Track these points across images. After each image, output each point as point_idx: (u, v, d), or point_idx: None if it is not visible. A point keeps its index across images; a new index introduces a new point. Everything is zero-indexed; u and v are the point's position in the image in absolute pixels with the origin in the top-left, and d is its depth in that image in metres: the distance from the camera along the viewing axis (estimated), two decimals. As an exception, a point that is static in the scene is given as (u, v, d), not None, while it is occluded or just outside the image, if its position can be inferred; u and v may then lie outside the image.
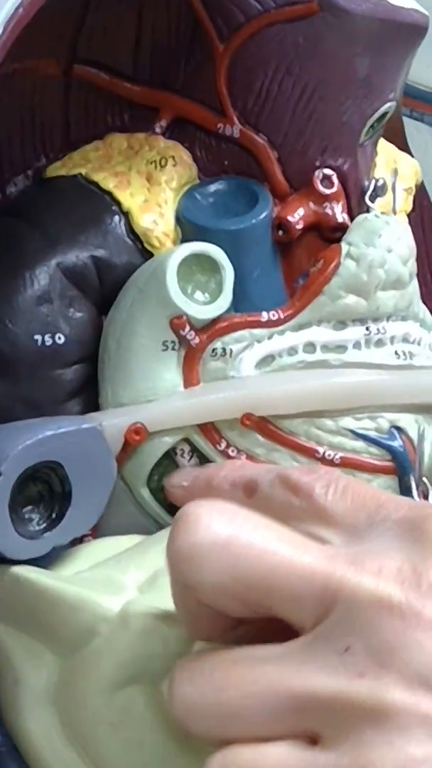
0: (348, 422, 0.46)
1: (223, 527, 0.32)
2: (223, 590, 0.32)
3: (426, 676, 0.30)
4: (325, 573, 0.31)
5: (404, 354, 0.47)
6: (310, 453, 0.46)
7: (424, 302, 0.50)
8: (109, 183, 0.47)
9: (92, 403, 0.46)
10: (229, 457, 0.45)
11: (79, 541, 0.44)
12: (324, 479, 0.35)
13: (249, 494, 0.37)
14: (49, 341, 0.45)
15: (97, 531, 0.45)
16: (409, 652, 0.30)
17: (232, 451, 0.45)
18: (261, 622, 0.34)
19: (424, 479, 0.48)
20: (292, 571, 0.32)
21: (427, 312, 0.50)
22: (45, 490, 0.43)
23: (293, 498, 0.35)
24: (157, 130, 0.48)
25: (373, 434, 0.46)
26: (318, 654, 0.31)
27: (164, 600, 0.37)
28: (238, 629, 0.34)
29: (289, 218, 0.47)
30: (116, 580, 0.39)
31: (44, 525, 0.42)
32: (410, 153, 0.55)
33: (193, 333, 0.44)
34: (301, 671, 0.31)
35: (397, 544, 0.32)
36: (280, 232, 0.47)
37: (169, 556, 0.33)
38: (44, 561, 0.41)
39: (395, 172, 0.51)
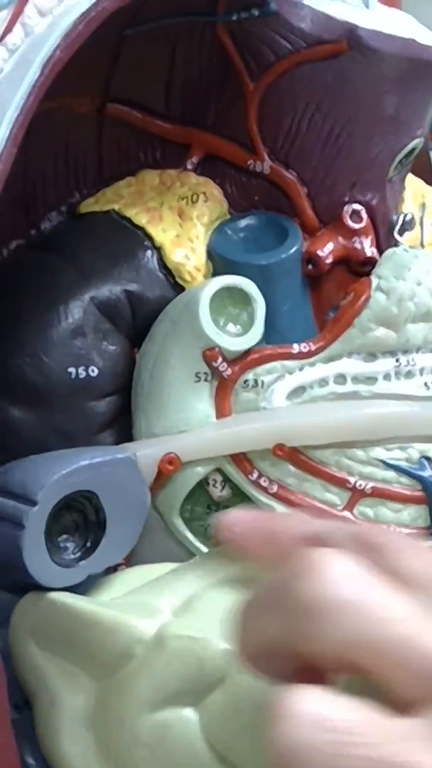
0: (379, 452, 0.47)
1: (354, 585, 0.31)
2: (335, 649, 0.31)
3: None
4: None
5: (434, 385, 0.48)
6: (341, 483, 0.47)
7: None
8: (141, 219, 0.48)
9: (125, 434, 0.47)
10: (260, 487, 0.46)
11: (113, 569, 0.45)
12: (398, 541, 0.33)
13: None
14: (82, 374, 0.46)
15: (131, 559, 0.45)
16: None
17: (264, 481, 0.46)
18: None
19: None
20: (418, 648, 0.30)
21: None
22: (80, 519, 0.43)
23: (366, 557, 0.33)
24: (189, 166, 0.50)
25: (403, 464, 0.47)
26: None
27: (199, 623, 0.38)
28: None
29: (319, 252, 0.48)
30: (151, 604, 0.40)
31: (79, 554, 0.43)
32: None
33: (225, 364, 0.45)
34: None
35: None
36: (310, 266, 0.48)
37: (289, 599, 0.31)
38: (80, 588, 0.42)
39: (423, 206, 0.52)
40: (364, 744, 0.29)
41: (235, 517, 0.38)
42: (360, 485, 0.47)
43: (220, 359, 0.45)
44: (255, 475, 0.46)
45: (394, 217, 0.50)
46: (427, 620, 0.31)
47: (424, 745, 0.29)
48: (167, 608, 0.40)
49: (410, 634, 0.31)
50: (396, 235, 0.49)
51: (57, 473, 0.42)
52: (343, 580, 0.31)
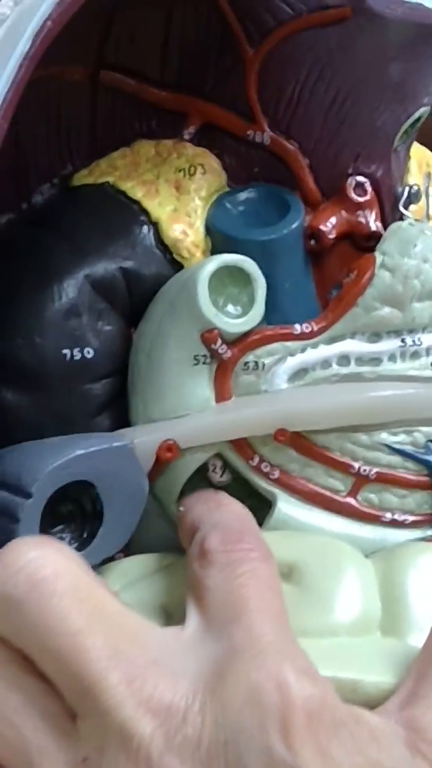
0: (383, 437, 0.46)
1: (35, 586, 0.35)
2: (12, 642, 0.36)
3: None
4: (96, 674, 0.34)
5: (441, 366, 0.47)
6: (344, 468, 0.46)
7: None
8: (137, 192, 0.47)
9: (122, 417, 0.46)
10: (261, 473, 0.46)
11: (110, 558, 0.44)
12: (227, 560, 0.38)
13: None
14: (78, 355, 0.45)
15: (129, 548, 0.45)
16: None
17: (265, 466, 0.46)
18: None
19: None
20: (74, 665, 0.34)
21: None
22: (76, 509, 0.43)
23: (196, 562, 0.39)
24: (186, 136, 0.49)
25: (409, 449, 0.47)
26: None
27: None
28: None
29: (322, 227, 0.47)
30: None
31: (75, 545, 0.43)
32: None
33: (225, 347, 0.45)
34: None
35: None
36: (313, 242, 0.47)
37: None
38: (77, 582, 0.42)
39: (429, 176, 0.51)
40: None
41: (185, 501, 0.44)
42: (364, 470, 0.46)
43: (219, 341, 0.45)
44: (256, 460, 0.46)
45: (399, 189, 0.49)
46: (106, 632, 0.34)
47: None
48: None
49: (70, 649, 0.34)
50: (401, 208, 0.48)
51: (52, 464, 0.41)
52: (24, 578, 0.35)
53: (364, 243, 0.48)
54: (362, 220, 0.48)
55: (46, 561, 0.36)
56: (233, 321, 0.45)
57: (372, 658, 0.38)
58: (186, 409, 0.45)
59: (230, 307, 0.45)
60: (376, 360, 0.46)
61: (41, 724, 0.34)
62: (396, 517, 0.47)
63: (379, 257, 0.46)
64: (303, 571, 0.41)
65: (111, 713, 0.33)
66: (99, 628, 0.34)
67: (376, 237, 0.47)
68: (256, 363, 0.45)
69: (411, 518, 0.47)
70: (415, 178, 0.50)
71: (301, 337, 0.46)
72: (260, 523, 0.45)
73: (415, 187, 0.49)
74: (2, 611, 0.35)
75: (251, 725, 0.33)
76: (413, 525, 0.47)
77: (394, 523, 0.47)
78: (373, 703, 0.36)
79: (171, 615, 0.41)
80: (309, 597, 0.40)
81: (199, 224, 0.47)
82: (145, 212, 0.47)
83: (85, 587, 0.36)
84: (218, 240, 0.47)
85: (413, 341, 0.47)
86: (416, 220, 0.48)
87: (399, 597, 0.40)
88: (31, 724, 0.34)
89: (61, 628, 0.34)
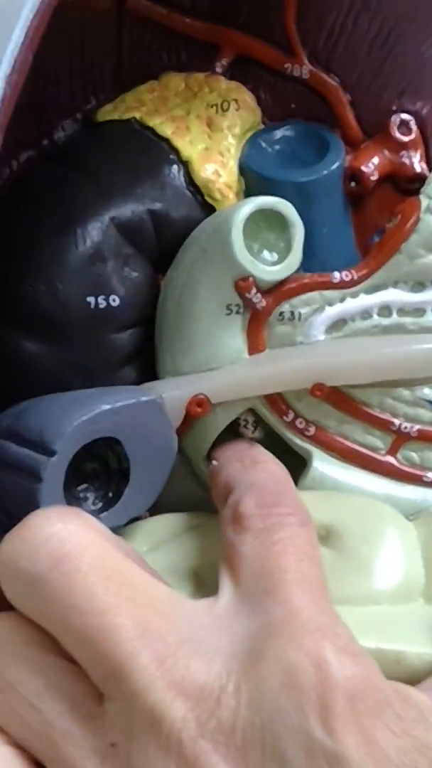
0: (426, 392, 0.44)
1: (59, 563, 0.34)
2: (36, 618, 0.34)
3: None
4: (125, 654, 0.32)
5: None
6: (384, 425, 0.44)
7: None
8: (166, 129, 0.45)
9: (149, 369, 0.44)
10: (296, 429, 0.44)
11: (137, 518, 0.43)
12: (263, 525, 0.36)
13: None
14: (102, 303, 0.43)
15: (156, 507, 0.43)
16: None
17: (300, 422, 0.44)
18: None
19: None
20: (99, 647, 0.33)
21: None
22: (101, 467, 0.41)
23: (230, 527, 0.37)
24: (218, 69, 0.46)
25: (453, 405, 0.45)
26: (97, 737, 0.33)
27: None
28: None
29: (363, 168, 0.45)
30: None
31: (100, 505, 0.41)
32: None
33: (259, 295, 0.42)
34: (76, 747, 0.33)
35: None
36: (353, 184, 0.45)
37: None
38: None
39: None
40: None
41: (218, 452, 0.43)
42: (405, 428, 0.44)
43: (254, 290, 0.42)
44: (291, 416, 0.44)
45: (447, 129, 0.47)
46: (135, 609, 0.33)
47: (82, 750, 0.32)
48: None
49: (97, 629, 0.32)
50: (448, 149, 0.46)
51: (77, 419, 0.39)
52: (46, 553, 0.34)
53: (408, 185, 0.45)
54: (406, 160, 0.45)
55: (70, 535, 0.34)
56: (269, 268, 0.42)
57: (415, 627, 0.37)
58: (217, 361, 0.43)
59: (266, 254, 0.43)
60: (419, 311, 0.44)
61: (66, 708, 0.33)
62: (438, 477, 0.45)
63: (424, 201, 0.44)
64: (342, 534, 0.39)
65: (140, 696, 0.31)
66: (127, 605, 0.33)
67: (421, 179, 0.45)
68: (292, 313, 0.43)
69: (454, 480, 0.45)
70: (462, 116, 0.48)
71: (340, 285, 0.44)
72: (295, 482, 0.43)
73: (463, 126, 0.46)
74: (24, 589, 0.34)
75: (289, 708, 0.31)
76: (456, 486, 0.45)
77: (437, 484, 0.45)
78: (418, 674, 0.35)
79: (203, 579, 0.39)
80: (348, 562, 0.39)
81: (233, 164, 0.45)
82: (175, 150, 0.44)
83: (112, 562, 0.34)
84: (252, 181, 0.44)
85: (459, 291, 0.44)
86: (464, 161, 0.46)
87: None
88: (56, 707, 0.33)
89: (86, 607, 0.32)
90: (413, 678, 0.35)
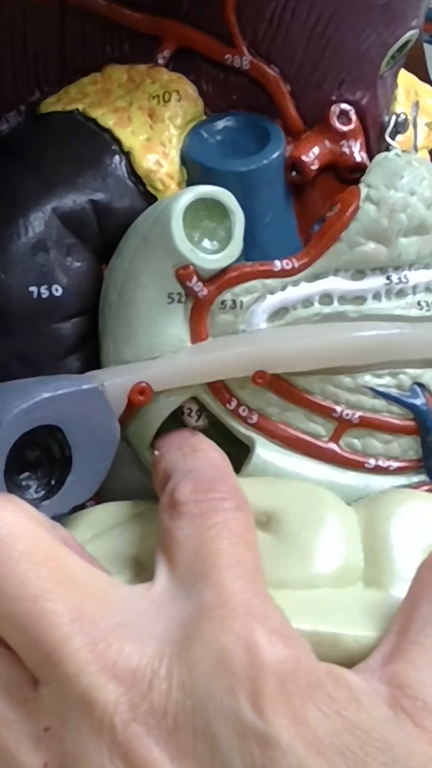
0: (367, 379, 0.45)
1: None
2: None
3: None
4: (58, 639, 0.32)
5: (428, 305, 0.45)
6: (326, 412, 0.45)
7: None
8: (108, 120, 0.45)
9: (93, 358, 0.45)
10: (239, 416, 0.44)
11: (80, 506, 0.43)
12: (198, 511, 0.37)
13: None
14: (45, 293, 0.43)
15: (100, 496, 0.44)
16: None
17: (243, 410, 0.44)
18: None
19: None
20: (32, 631, 0.33)
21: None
22: (43, 455, 0.41)
23: (166, 513, 0.37)
24: (160, 61, 0.47)
25: (394, 392, 0.45)
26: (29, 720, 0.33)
27: None
28: None
29: (304, 158, 0.45)
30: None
31: (43, 493, 0.41)
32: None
33: (200, 284, 0.43)
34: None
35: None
36: (294, 173, 0.45)
37: None
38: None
39: (416, 105, 0.49)
40: None
41: (160, 442, 0.43)
42: (347, 414, 0.45)
43: (194, 278, 0.43)
44: (233, 404, 0.44)
45: (386, 118, 0.47)
46: (68, 595, 0.33)
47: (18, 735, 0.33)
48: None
49: (30, 614, 0.33)
50: (388, 138, 0.47)
51: (17, 407, 0.40)
52: None
53: (348, 175, 0.46)
54: (346, 150, 0.46)
55: (2, 521, 0.34)
56: (209, 257, 0.43)
57: (353, 610, 0.37)
58: (159, 350, 0.43)
59: (206, 242, 0.43)
60: (360, 298, 0.45)
61: (0, 693, 0.33)
62: (380, 463, 0.45)
63: (363, 189, 0.44)
64: (281, 519, 0.40)
65: (73, 680, 0.32)
66: (60, 590, 0.33)
67: (360, 168, 0.45)
68: (234, 301, 0.44)
69: (395, 464, 0.45)
70: (402, 106, 0.48)
71: (282, 274, 0.44)
72: (238, 470, 0.44)
73: (402, 116, 0.47)
74: None
75: (219, 691, 0.31)
76: (398, 471, 0.46)
77: (378, 470, 0.45)
78: (354, 657, 0.35)
79: (143, 565, 0.40)
80: (288, 547, 0.39)
81: (174, 154, 0.45)
82: (117, 141, 0.45)
83: (45, 548, 0.34)
84: (194, 171, 0.45)
85: (399, 279, 0.45)
86: (403, 150, 0.46)
87: (382, 547, 0.39)
88: None
89: (19, 593, 0.33)
90: (350, 661, 0.35)
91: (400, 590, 0.38)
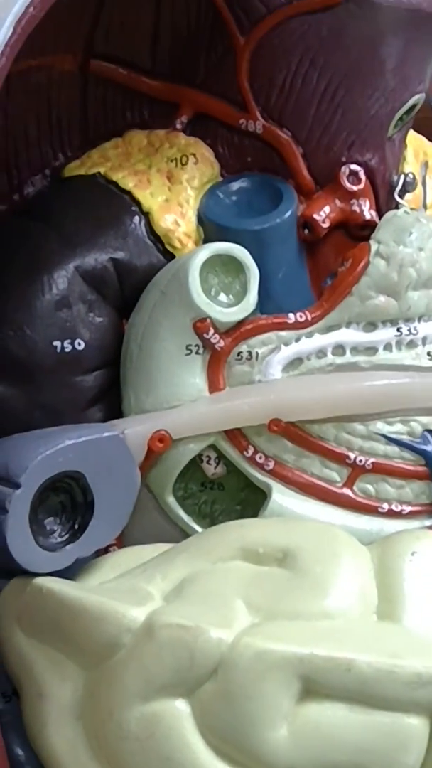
0: (380, 426, 0.47)
1: None
2: None
3: None
4: None
5: (437, 355, 0.48)
6: (340, 458, 0.47)
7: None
8: (128, 182, 0.48)
9: (114, 409, 0.47)
10: (256, 464, 0.46)
11: (104, 551, 0.45)
12: None
13: None
14: (68, 347, 0.46)
15: (122, 540, 0.46)
16: None
17: (260, 457, 0.46)
18: None
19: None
20: None
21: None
22: (67, 500, 0.44)
23: None
24: (178, 126, 0.50)
25: (405, 438, 0.47)
26: None
27: (190, 610, 0.38)
28: None
29: (315, 216, 0.48)
30: (141, 589, 0.40)
31: (66, 536, 0.43)
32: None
33: (217, 336, 0.45)
34: None
35: None
36: (306, 231, 0.48)
37: None
38: (68, 572, 0.43)
39: (425, 165, 0.52)
40: None
41: None
42: (360, 461, 0.47)
43: (211, 331, 0.45)
44: (251, 451, 0.46)
45: (395, 178, 0.50)
46: None
47: None
48: (158, 593, 0.40)
49: None
50: (396, 197, 0.49)
51: (41, 454, 0.42)
52: None
53: (358, 232, 0.48)
54: (356, 208, 0.48)
55: None
56: (225, 310, 0.45)
57: (367, 638, 0.39)
58: (178, 399, 0.46)
59: (222, 297, 0.46)
60: (371, 349, 0.47)
61: None
62: (393, 507, 0.47)
63: (374, 245, 0.47)
64: (297, 555, 0.41)
65: None
66: None
67: (370, 226, 0.48)
68: (250, 353, 0.46)
69: (408, 509, 0.47)
70: (411, 166, 0.51)
71: (296, 326, 0.47)
72: (255, 515, 0.46)
73: (411, 176, 0.50)
74: None
75: None
76: (411, 515, 0.47)
77: (392, 514, 0.47)
78: (368, 682, 0.37)
79: (167, 600, 0.41)
80: (304, 581, 0.41)
81: (192, 214, 0.48)
82: (137, 202, 0.48)
83: None
84: (211, 230, 0.48)
85: (409, 330, 0.47)
86: (412, 208, 0.49)
87: (395, 582, 0.41)
88: None
89: None
90: (364, 686, 0.37)
91: (413, 623, 0.39)
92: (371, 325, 0.47)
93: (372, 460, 0.47)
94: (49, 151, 0.50)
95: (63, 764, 0.39)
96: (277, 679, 0.37)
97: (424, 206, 0.51)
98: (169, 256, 0.47)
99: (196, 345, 0.46)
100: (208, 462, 0.47)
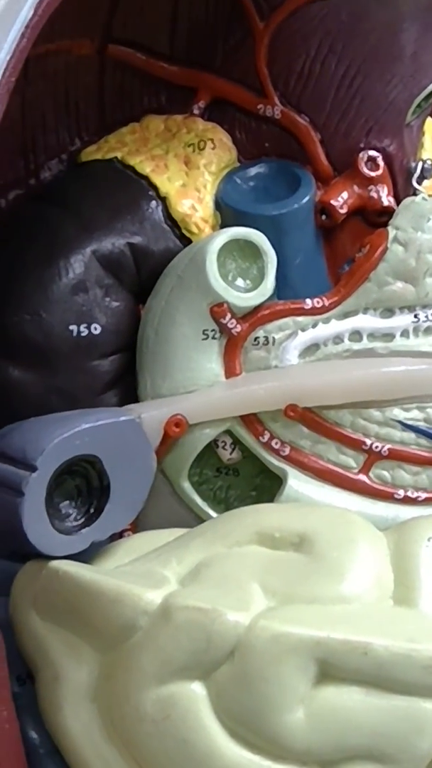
0: (396, 413, 0.47)
1: None
2: None
3: None
4: None
5: (455, 342, 0.48)
6: (357, 444, 0.47)
7: None
8: (145, 167, 0.48)
9: (130, 394, 0.47)
10: (272, 449, 0.47)
11: (118, 535, 0.45)
12: None
13: None
14: (84, 331, 0.46)
15: (137, 525, 0.46)
16: None
17: (276, 443, 0.47)
18: None
19: None
20: None
21: None
22: (83, 484, 0.44)
23: None
24: (195, 111, 0.50)
25: (422, 425, 0.47)
26: None
27: (207, 592, 0.38)
28: None
29: (333, 202, 0.48)
30: (157, 572, 0.41)
31: (82, 520, 0.44)
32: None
33: (234, 321, 0.46)
34: None
35: None
36: (324, 217, 0.48)
37: None
38: (83, 556, 0.43)
39: (444, 152, 0.52)
40: None
41: None
42: (376, 447, 0.47)
43: (228, 315, 0.46)
44: (266, 436, 0.47)
45: (413, 164, 0.50)
46: None
47: None
48: (174, 576, 0.41)
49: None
50: (414, 184, 0.49)
51: (57, 437, 0.42)
52: None
53: (376, 218, 0.49)
54: (374, 194, 0.48)
55: None
56: (243, 295, 0.46)
57: (384, 622, 0.39)
58: (195, 384, 0.46)
59: (240, 281, 0.46)
60: (388, 336, 0.47)
61: None
62: (409, 494, 0.47)
63: (391, 231, 0.47)
64: (314, 540, 0.42)
65: None
66: None
67: (388, 212, 0.48)
68: (267, 338, 0.46)
69: (424, 495, 0.48)
70: (429, 153, 0.51)
71: (313, 311, 0.47)
72: (270, 501, 0.46)
73: (429, 162, 0.50)
74: None
75: None
76: (426, 502, 0.48)
77: (407, 501, 0.47)
78: (384, 666, 0.37)
79: (183, 583, 0.41)
80: (320, 566, 0.41)
81: (209, 199, 0.48)
82: (154, 187, 0.48)
83: None
84: (228, 215, 0.48)
85: (426, 317, 0.47)
86: (430, 195, 0.49)
87: (412, 567, 0.41)
88: None
89: None
90: (381, 670, 0.37)
91: (430, 608, 0.40)
92: (388, 312, 0.47)
93: (388, 446, 0.47)
94: (66, 136, 0.50)
95: (78, 746, 0.40)
96: (294, 662, 0.37)
97: (442, 193, 0.51)
98: (186, 241, 0.47)
99: (213, 330, 0.46)
100: (223, 447, 0.47)
